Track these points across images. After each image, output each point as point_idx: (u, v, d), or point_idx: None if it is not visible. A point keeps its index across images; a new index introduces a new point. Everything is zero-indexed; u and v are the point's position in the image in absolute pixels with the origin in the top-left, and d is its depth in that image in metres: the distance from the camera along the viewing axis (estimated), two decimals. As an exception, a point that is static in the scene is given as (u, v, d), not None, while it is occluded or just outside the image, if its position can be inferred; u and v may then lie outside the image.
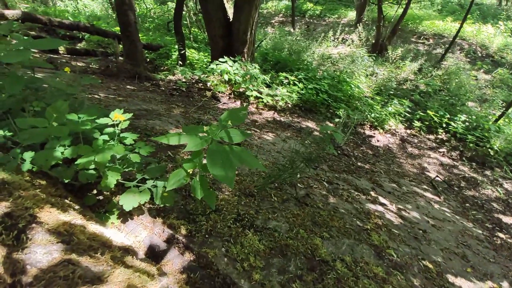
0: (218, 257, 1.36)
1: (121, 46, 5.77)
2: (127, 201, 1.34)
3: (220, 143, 1.43)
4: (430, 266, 1.93)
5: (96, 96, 3.74)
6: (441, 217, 3.12)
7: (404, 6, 12.01)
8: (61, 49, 6.18)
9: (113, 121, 1.31)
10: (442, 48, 12.69)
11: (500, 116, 7.16)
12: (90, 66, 5.77)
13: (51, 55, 5.73)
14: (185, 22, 9.65)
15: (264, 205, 2.05)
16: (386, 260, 1.82)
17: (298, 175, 2.96)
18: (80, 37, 7.77)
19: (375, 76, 9.61)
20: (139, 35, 7.49)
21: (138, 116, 3.33)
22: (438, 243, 2.41)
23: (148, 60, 7.11)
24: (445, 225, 2.92)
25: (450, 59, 11.05)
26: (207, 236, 1.49)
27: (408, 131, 6.78)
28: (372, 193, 3.16)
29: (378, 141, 5.99)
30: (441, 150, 6.20)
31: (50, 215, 0.99)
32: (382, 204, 2.90)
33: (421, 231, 2.56)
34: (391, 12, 14.50)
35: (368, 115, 6.38)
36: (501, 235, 3.19)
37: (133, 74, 5.23)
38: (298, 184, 2.71)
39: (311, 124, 5.64)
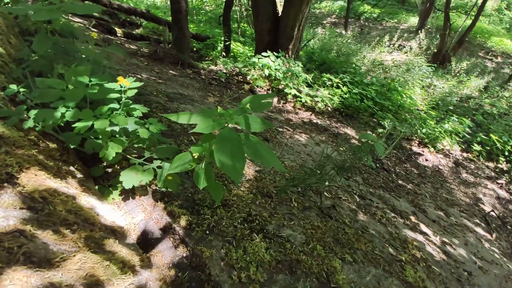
0: (214, 259, 1.16)
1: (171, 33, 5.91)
2: (128, 178, 1.21)
3: (236, 129, 1.23)
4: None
5: (138, 76, 3.83)
6: (489, 259, 2.55)
7: (473, 17, 10.61)
8: (119, 32, 6.55)
9: (120, 87, 1.19)
10: (510, 68, 11.04)
11: None
12: (141, 49, 6.02)
13: (109, 36, 6.10)
14: (235, 16, 9.69)
15: (281, 210, 1.81)
16: (420, 303, 1.46)
17: (327, 183, 2.65)
18: (139, 23, 8.20)
19: (432, 89, 8.62)
20: (190, 25, 7.67)
21: (171, 98, 3.30)
22: (489, 293, 1.93)
23: (194, 49, 7.23)
24: (492, 268, 2.37)
25: None
26: (207, 232, 1.30)
27: (465, 155, 5.89)
28: (412, 218, 2.70)
29: (426, 160, 5.29)
30: (500, 181, 5.27)
31: (34, 178, 0.89)
32: (423, 234, 2.45)
33: (466, 272, 2.08)
34: (458, 21, 12.96)
35: (418, 130, 5.68)
36: None
37: (177, 60, 5.31)
38: (325, 193, 2.40)
39: (350, 131, 5.19)
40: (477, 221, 3.52)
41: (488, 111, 7.95)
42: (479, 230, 3.23)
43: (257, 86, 5.67)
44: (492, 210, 4.00)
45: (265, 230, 1.50)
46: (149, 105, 2.70)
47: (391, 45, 11.15)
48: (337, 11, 14.54)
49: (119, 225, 1.14)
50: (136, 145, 1.36)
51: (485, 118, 7.42)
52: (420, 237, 2.34)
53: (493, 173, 5.47)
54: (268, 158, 1.13)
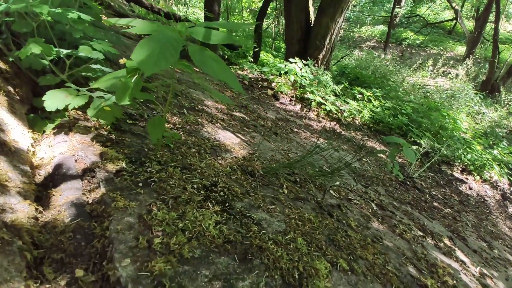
0: (127, 213, 0.79)
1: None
2: (53, 98, 0.94)
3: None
4: None
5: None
6: None
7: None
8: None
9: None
10: None
11: None
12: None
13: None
14: (270, 30, 9.76)
15: (263, 192, 1.38)
16: None
17: (337, 183, 2.14)
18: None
19: (480, 117, 7.55)
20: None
21: (181, 82, 3.13)
22: None
23: (226, 57, 7.27)
24: None
25: None
26: (140, 184, 0.95)
27: (518, 190, 4.81)
28: (447, 241, 2.04)
29: (470, 188, 4.37)
30: None
31: None
32: (460, 262, 1.79)
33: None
34: (506, 54, 11.62)
35: (462, 155, 4.81)
36: None
37: (203, 59, 5.26)
38: (331, 192, 1.90)
39: (377, 146, 4.55)
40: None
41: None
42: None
43: (281, 92, 5.37)
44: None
45: (228, 205, 1.10)
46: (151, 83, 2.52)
47: (435, 70, 10.23)
48: (377, 35, 14.03)
49: (21, 147, 0.84)
50: (84, 73, 1.10)
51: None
52: (454, 264, 1.69)
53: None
54: (219, 72, 0.78)
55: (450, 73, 10.64)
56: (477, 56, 12.17)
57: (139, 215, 0.81)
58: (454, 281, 1.45)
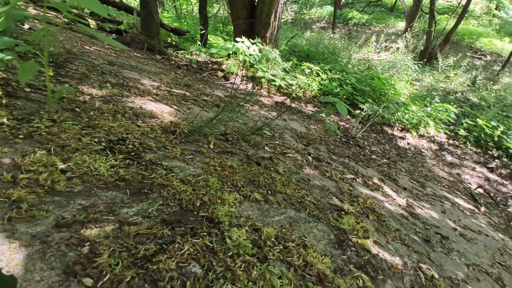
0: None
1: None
2: None
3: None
4: (439, 281, 1.03)
5: (86, 47, 3.47)
6: (476, 229, 2.04)
7: (458, 15, 10.39)
8: (92, 24, 6.31)
9: None
10: (499, 66, 10.80)
11: None
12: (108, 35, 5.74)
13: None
14: (220, 15, 9.54)
15: (184, 147, 1.36)
16: (349, 253, 0.98)
17: (277, 142, 2.20)
18: (121, 20, 8.01)
19: (419, 84, 8.26)
20: (174, 24, 7.44)
21: (114, 64, 2.92)
22: (464, 256, 1.43)
23: (173, 43, 6.95)
24: (480, 239, 1.86)
25: (506, 78, 9.24)
26: (21, 136, 0.87)
27: (451, 141, 5.41)
28: (377, 181, 2.22)
29: (408, 144, 4.81)
30: (490, 165, 4.76)
31: None
32: (386, 195, 1.97)
33: (439, 235, 1.59)
34: (444, 24, 12.78)
35: (401, 116, 5.24)
36: None
37: (146, 46, 4.98)
38: (266, 147, 1.95)
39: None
40: (461, 196, 3.01)
41: (476, 103, 7.55)
42: (462, 202, 2.72)
43: (232, 73, 5.32)
44: (480, 187, 3.49)
45: (134, 154, 1.06)
46: (75, 63, 2.32)
47: (378, 46, 10.90)
48: (326, 16, 14.45)
49: None
50: None
51: (473, 109, 7.00)
52: (380, 197, 1.85)
53: (481, 159, 4.97)
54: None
55: (391, 47, 11.40)
56: (416, 30, 13.15)
57: (12, 159, 0.74)
58: (376, 208, 1.58)
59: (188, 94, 2.88)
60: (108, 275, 0.54)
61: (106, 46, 4.11)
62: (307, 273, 0.76)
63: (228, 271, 0.65)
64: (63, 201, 0.69)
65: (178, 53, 5.72)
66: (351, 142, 3.58)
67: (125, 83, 2.22)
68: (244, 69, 5.50)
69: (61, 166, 0.79)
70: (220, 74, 5.23)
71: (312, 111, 4.86)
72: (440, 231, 1.67)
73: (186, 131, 1.52)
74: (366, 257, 0.99)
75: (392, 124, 5.23)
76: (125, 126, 1.29)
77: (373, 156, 3.26)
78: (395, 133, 5.02)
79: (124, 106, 1.61)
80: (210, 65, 5.57)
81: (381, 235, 1.26)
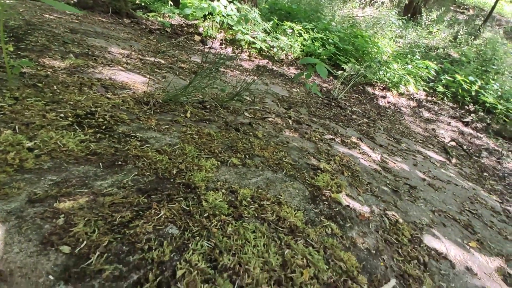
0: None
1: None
2: None
3: None
4: (403, 226, 1.15)
5: (46, 15, 3.13)
6: (445, 179, 2.22)
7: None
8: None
9: None
10: (481, 20, 10.74)
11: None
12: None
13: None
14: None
15: (160, 117, 1.34)
16: (322, 206, 1.07)
17: (257, 107, 2.19)
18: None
19: (402, 39, 8.15)
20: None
21: (77, 31, 2.68)
22: (431, 204, 1.58)
23: (143, 4, 6.34)
24: (450, 188, 2.05)
25: (488, 33, 9.25)
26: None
27: (430, 98, 5.57)
28: (354, 139, 2.32)
29: (388, 102, 4.92)
30: (465, 120, 5.00)
31: None
32: (363, 153, 2.07)
33: (408, 186, 1.73)
34: None
35: (383, 75, 5.26)
36: None
37: (111, 9, 4.52)
38: (246, 113, 1.95)
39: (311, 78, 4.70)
40: (434, 149, 3.21)
41: (457, 59, 7.61)
42: (434, 155, 2.91)
43: (210, 37, 5.02)
44: (453, 140, 3.71)
45: (105, 128, 1.03)
46: (35, 34, 2.10)
47: (363, 0, 10.43)
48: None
49: None
50: None
51: (453, 65, 7.09)
52: (357, 155, 1.95)
53: (458, 114, 5.20)
54: None
55: (376, 1, 10.96)
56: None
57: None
58: (351, 165, 1.68)
59: (162, 61, 2.73)
60: (85, 242, 0.57)
61: (68, 12, 3.71)
62: (279, 226, 0.83)
63: (204, 229, 0.70)
64: (33, 178, 0.69)
65: (148, 15, 5.27)
66: (333, 104, 3.62)
67: (90, 53, 2.07)
68: (222, 31, 5.19)
69: (28, 144, 0.77)
70: (197, 38, 4.93)
71: (294, 73, 4.78)
72: (409, 182, 1.82)
73: (160, 101, 1.48)
74: (337, 209, 1.08)
75: (374, 83, 5.26)
76: (93, 99, 1.23)
77: (354, 116, 3.33)
78: (377, 92, 5.08)
79: (91, 78, 1.53)
80: (186, 28, 5.21)
81: (354, 188, 1.36)
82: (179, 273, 0.55)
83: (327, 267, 0.73)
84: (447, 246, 1.15)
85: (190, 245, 0.64)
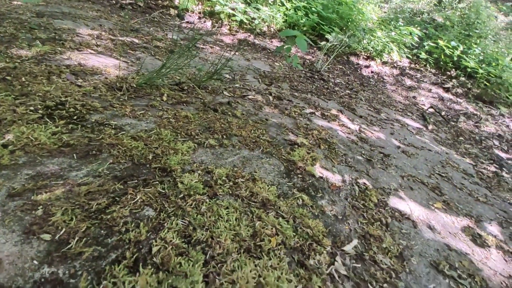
0: None
1: None
2: None
3: None
4: (371, 192, 1.25)
5: (14, 1, 2.87)
6: (419, 145, 2.35)
7: None
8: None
9: None
10: None
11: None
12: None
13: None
14: None
15: (135, 103, 1.34)
16: (295, 179, 1.14)
17: (237, 85, 2.18)
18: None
19: (387, 4, 7.96)
20: None
21: (42, 15, 2.50)
22: (401, 170, 1.70)
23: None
24: (422, 154, 2.18)
25: None
26: None
27: (413, 65, 5.61)
28: (335, 112, 2.37)
29: (372, 72, 4.94)
30: (446, 85, 5.12)
31: None
32: (342, 125, 2.14)
33: (382, 154, 1.83)
34: None
35: (367, 44, 5.20)
36: (503, 173, 2.43)
37: (78, -18, 4.17)
38: (225, 92, 1.95)
39: (294, 50, 4.62)
40: (413, 117, 3.33)
41: (441, 24, 7.53)
42: (412, 123, 3.03)
43: (187, 10, 4.76)
44: (431, 107, 3.84)
45: (78, 118, 1.04)
46: (3, 24, 1.95)
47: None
48: None
49: None
50: None
51: (437, 30, 7.03)
52: (336, 127, 2.02)
53: (439, 80, 5.29)
54: None
55: (361, -38, 10.46)
56: None
57: None
58: (329, 138, 1.74)
59: (136, 41, 2.62)
60: (64, 229, 0.62)
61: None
62: (252, 201, 0.89)
63: (179, 209, 0.76)
64: (10, 174, 0.71)
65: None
66: (316, 76, 3.61)
67: (57, 37, 1.96)
68: (200, 3, 4.92)
69: (1, 141, 0.78)
70: (173, 12, 4.68)
71: (277, 46, 4.67)
72: (384, 151, 1.92)
73: (135, 85, 1.46)
74: (310, 181, 1.16)
75: (358, 53, 5.22)
76: (62, 88, 1.21)
77: (336, 89, 3.36)
78: (361, 62, 5.07)
79: (59, 65, 1.47)
80: (160, 1, 4.90)
81: (329, 160, 1.44)
82: (154, 249, 0.61)
83: (295, 234, 0.81)
84: (412, 208, 1.27)
85: (165, 224, 0.70)
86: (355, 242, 0.88)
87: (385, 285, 0.76)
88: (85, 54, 1.79)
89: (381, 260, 0.84)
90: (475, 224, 1.38)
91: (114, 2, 4.28)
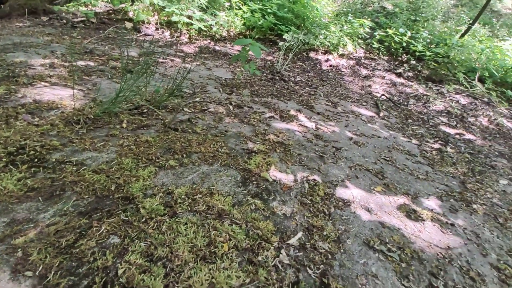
0: None
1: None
2: None
3: None
4: (319, 187, 1.44)
5: None
6: (370, 134, 2.62)
7: None
8: None
9: None
10: None
11: (465, 31, 6.44)
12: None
13: None
14: None
15: (94, 134, 1.42)
16: (250, 187, 1.30)
17: (198, 99, 2.30)
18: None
19: (340, -2, 8.36)
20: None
21: (-15, 45, 2.43)
22: (351, 161, 1.92)
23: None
24: (372, 142, 2.44)
25: None
26: None
27: (368, 55, 6.01)
28: (293, 112, 2.57)
29: (330, 66, 5.25)
30: (398, 71, 5.57)
31: None
32: (300, 125, 2.33)
33: (334, 148, 2.05)
34: None
35: (324, 39, 5.49)
36: (448, 149, 2.77)
37: (27, 10, 4.02)
38: (185, 109, 2.06)
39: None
40: (367, 106, 3.64)
41: (391, 11, 8.05)
42: (366, 112, 3.33)
43: (143, 22, 4.74)
44: (383, 95, 4.19)
45: (39, 160, 1.11)
46: None
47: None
48: None
49: None
50: None
51: (387, 18, 7.53)
52: (294, 128, 2.21)
53: (392, 66, 5.72)
54: None
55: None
56: None
57: None
58: (285, 140, 1.92)
59: (91, 63, 2.63)
60: (41, 266, 0.72)
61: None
62: (209, 213, 1.04)
63: (142, 233, 0.88)
64: (-17, 224, 0.80)
65: (68, 7, 4.75)
66: (277, 78, 3.81)
67: (10, 74, 1.95)
68: (155, 13, 4.91)
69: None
70: (128, 25, 4.63)
71: (238, 50, 4.80)
72: (337, 144, 2.14)
73: (92, 116, 1.53)
74: (264, 186, 1.32)
75: (316, 48, 5.50)
76: (21, 131, 1.27)
77: (296, 87, 3.58)
78: (319, 57, 5.35)
79: (15, 106, 1.50)
80: (113, 15, 4.83)
81: (284, 163, 1.62)
82: (120, 271, 0.73)
83: (246, 237, 0.97)
84: (354, 195, 1.48)
85: (129, 248, 0.82)
86: (299, 234, 1.06)
87: (321, 266, 0.95)
88: (39, 89, 1.81)
89: (320, 246, 1.02)
90: (411, 201, 1.63)
91: (64, 21, 4.17)
